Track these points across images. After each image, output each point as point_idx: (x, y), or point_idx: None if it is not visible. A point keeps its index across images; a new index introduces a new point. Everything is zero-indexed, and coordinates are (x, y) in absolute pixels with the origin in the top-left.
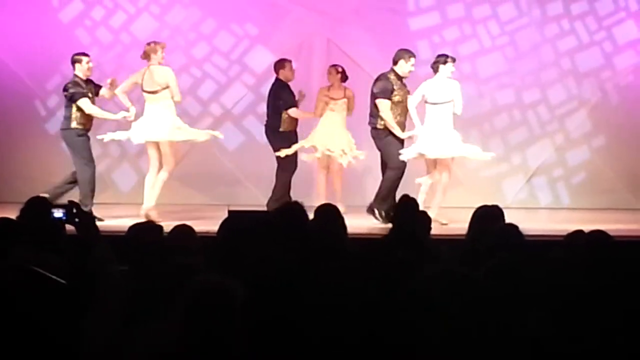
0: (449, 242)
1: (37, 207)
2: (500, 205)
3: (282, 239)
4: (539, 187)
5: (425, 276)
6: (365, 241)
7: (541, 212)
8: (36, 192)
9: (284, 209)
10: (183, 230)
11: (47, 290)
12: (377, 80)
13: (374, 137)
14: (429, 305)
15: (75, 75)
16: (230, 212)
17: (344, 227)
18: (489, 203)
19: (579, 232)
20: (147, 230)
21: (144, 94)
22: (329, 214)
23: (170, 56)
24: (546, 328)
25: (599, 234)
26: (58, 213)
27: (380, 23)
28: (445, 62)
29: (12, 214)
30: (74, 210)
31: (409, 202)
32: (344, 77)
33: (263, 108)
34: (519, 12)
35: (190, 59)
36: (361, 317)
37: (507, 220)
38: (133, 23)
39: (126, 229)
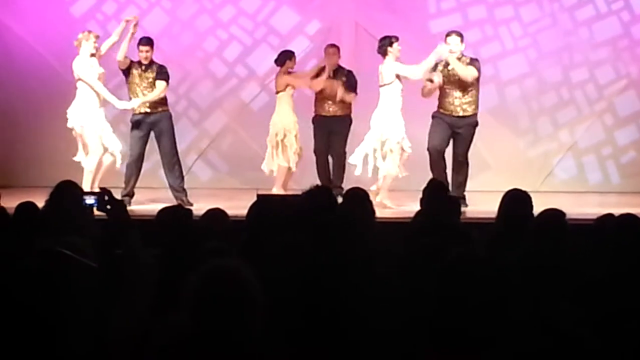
0: (481, 225)
1: (66, 191)
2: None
3: (310, 224)
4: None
5: (449, 259)
6: (392, 225)
7: (574, 194)
8: (64, 176)
9: (312, 193)
10: (216, 214)
11: (77, 272)
12: None
13: None
14: (453, 287)
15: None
16: (259, 196)
17: (373, 211)
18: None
19: (609, 216)
20: (176, 214)
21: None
22: (358, 198)
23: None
24: (572, 312)
25: (629, 218)
26: (90, 200)
27: (407, 6)
28: (391, 44)
29: (40, 198)
30: (106, 197)
31: (437, 185)
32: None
33: None
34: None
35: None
36: (386, 301)
37: (553, 201)
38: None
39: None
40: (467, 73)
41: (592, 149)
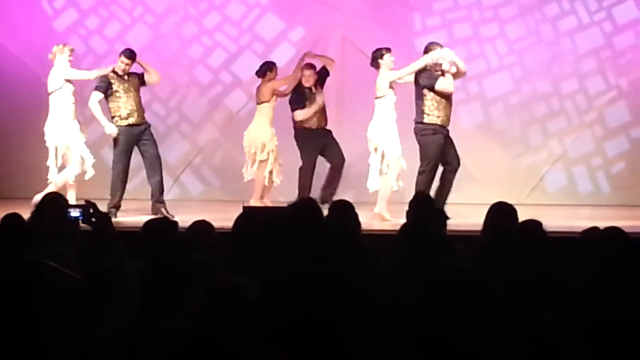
0: (466, 238)
1: (52, 204)
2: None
3: (297, 235)
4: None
5: (433, 271)
6: (378, 237)
7: (561, 206)
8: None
9: (298, 205)
10: (201, 226)
11: (62, 284)
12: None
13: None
14: (437, 300)
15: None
16: (245, 208)
17: (359, 223)
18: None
19: (594, 229)
20: (162, 226)
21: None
22: (344, 209)
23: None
24: (556, 325)
25: (614, 231)
26: (75, 212)
27: (395, 18)
28: (382, 56)
29: (26, 209)
30: (91, 210)
31: (423, 197)
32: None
33: None
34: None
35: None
36: (374, 313)
37: (540, 214)
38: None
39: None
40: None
41: (581, 159)
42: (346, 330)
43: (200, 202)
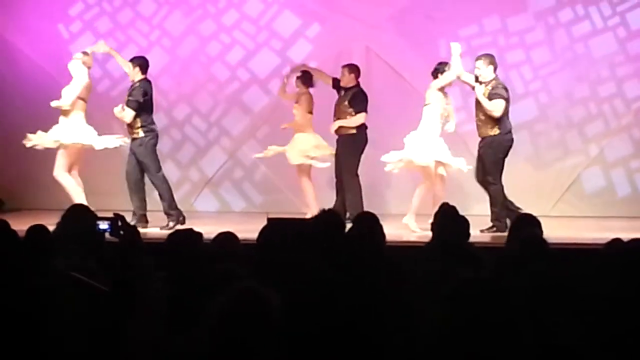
0: (491, 249)
1: (78, 214)
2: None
3: (320, 247)
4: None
5: (455, 283)
6: (404, 249)
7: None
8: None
9: (322, 217)
10: (227, 237)
11: (89, 296)
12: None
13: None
14: (459, 312)
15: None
16: (269, 219)
17: (383, 234)
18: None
19: (617, 241)
20: (187, 237)
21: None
22: (368, 221)
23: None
24: (578, 336)
25: (637, 243)
26: (103, 225)
27: (418, 29)
28: (443, 71)
29: (50, 220)
30: (119, 223)
31: (448, 209)
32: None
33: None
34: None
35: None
36: (397, 326)
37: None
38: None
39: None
40: (491, 109)
41: (620, 162)
42: (367, 342)
43: (239, 215)
